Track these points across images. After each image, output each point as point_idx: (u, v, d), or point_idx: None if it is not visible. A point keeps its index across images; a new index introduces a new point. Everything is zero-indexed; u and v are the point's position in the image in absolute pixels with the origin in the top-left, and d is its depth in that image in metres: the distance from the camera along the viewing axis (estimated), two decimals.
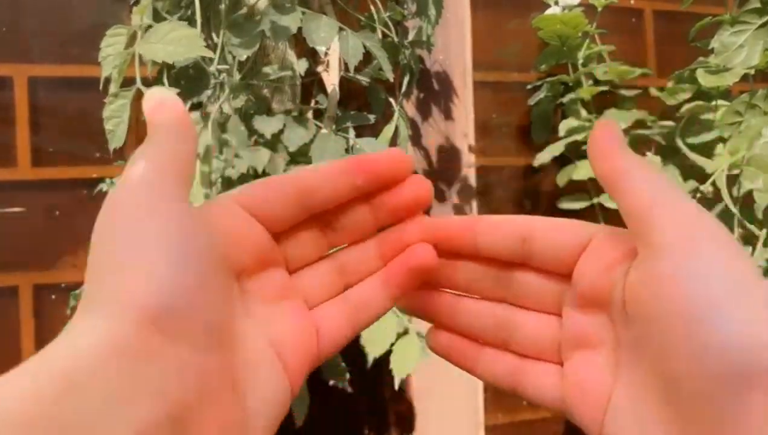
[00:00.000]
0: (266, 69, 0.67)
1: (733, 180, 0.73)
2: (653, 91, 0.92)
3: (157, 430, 0.18)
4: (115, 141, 0.59)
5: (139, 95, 0.57)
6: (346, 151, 0.66)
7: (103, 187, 0.80)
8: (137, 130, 0.84)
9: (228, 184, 0.65)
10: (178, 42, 0.55)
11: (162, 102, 0.24)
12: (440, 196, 0.92)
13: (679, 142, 0.81)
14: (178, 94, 0.62)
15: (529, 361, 0.28)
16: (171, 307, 0.20)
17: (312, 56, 0.73)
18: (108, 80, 0.60)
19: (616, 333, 0.25)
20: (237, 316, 0.24)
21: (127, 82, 0.60)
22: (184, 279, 0.20)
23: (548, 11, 0.85)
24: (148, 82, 0.66)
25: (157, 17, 0.62)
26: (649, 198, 0.23)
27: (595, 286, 0.25)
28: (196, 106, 0.65)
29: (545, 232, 0.27)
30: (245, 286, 0.25)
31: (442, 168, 0.93)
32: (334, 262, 0.28)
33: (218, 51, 0.60)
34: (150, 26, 0.58)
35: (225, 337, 0.22)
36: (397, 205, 0.27)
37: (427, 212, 0.28)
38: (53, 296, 0.82)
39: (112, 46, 0.61)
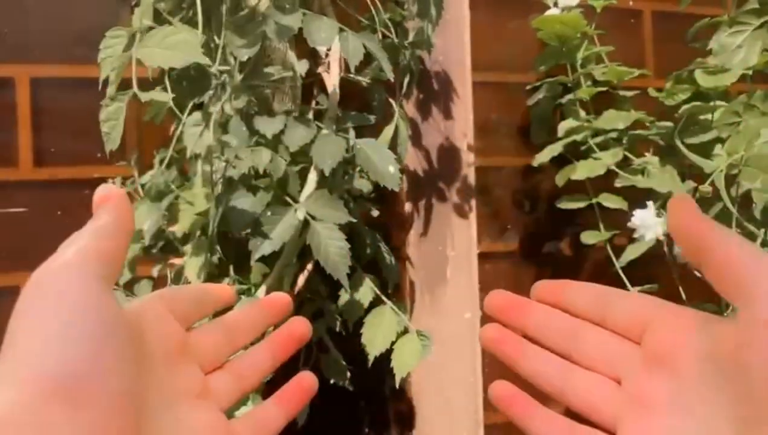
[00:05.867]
0: (267, 70, 0.67)
1: (731, 180, 0.73)
2: (652, 92, 0.92)
3: None
4: (111, 143, 0.60)
5: (135, 98, 0.57)
6: (347, 151, 0.67)
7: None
8: (138, 131, 0.85)
9: (229, 184, 0.66)
10: (175, 46, 0.56)
11: (108, 194, 0.26)
12: (440, 196, 0.92)
13: (678, 143, 0.81)
14: (179, 95, 0.62)
15: (583, 428, 0.29)
16: (69, 374, 0.21)
17: (312, 57, 0.73)
18: (106, 82, 0.60)
19: (677, 392, 0.27)
20: (154, 400, 0.25)
21: (126, 84, 0.60)
22: (80, 348, 0.21)
23: (547, 12, 0.86)
24: (149, 83, 0.66)
25: (159, 18, 0.62)
26: (742, 254, 0.25)
27: (664, 345, 0.28)
28: (198, 107, 0.66)
29: (620, 297, 0.30)
30: (165, 377, 0.27)
31: (442, 168, 0.93)
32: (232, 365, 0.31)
33: (219, 52, 0.61)
34: (150, 28, 0.58)
35: (140, 406, 0.23)
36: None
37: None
38: None
39: (110, 48, 0.61)
